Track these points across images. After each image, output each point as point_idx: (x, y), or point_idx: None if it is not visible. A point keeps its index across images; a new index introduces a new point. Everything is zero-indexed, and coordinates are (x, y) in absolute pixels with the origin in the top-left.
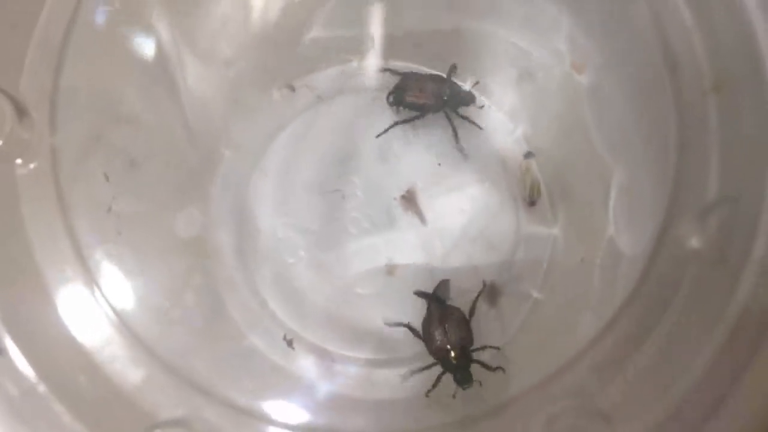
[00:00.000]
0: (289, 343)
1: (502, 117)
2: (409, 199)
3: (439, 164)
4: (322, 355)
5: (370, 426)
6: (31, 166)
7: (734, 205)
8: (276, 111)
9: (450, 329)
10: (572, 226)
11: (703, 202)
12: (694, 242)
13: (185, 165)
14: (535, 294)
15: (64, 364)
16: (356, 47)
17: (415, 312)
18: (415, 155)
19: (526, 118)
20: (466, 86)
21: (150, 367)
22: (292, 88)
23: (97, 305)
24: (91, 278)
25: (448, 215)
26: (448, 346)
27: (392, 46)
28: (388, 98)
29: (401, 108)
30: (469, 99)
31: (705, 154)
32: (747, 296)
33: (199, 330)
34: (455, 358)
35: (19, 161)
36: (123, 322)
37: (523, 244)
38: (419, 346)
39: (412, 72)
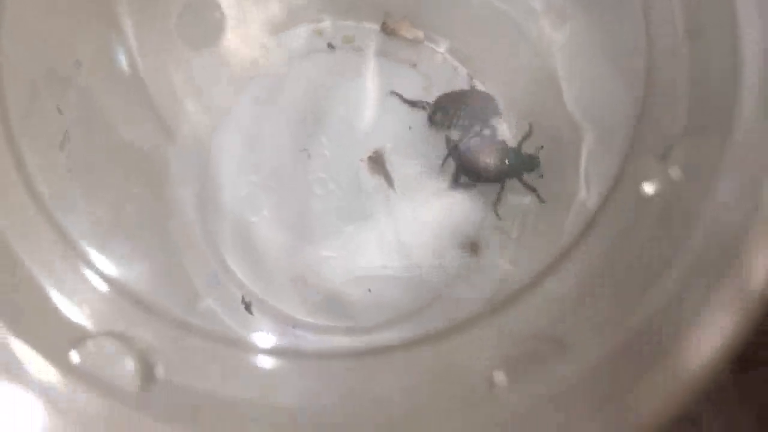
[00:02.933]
0: (247, 307)
1: (476, 83)
2: (376, 161)
3: (410, 128)
4: (282, 320)
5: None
6: None
7: (699, 137)
8: (244, 68)
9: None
10: (543, 191)
11: (666, 140)
12: (655, 182)
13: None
14: (505, 264)
15: None
16: (328, 5)
17: (378, 276)
18: (387, 118)
19: (500, 82)
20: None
21: (86, 278)
22: (265, 47)
23: (36, 213)
24: (31, 188)
25: (417, 179)
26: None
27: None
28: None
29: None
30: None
31: (672, 93)
32: (705, 236)
33: (147, 253)
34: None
35: None
36: (61, 230)
37: (492, 210)
38: (383, 315)
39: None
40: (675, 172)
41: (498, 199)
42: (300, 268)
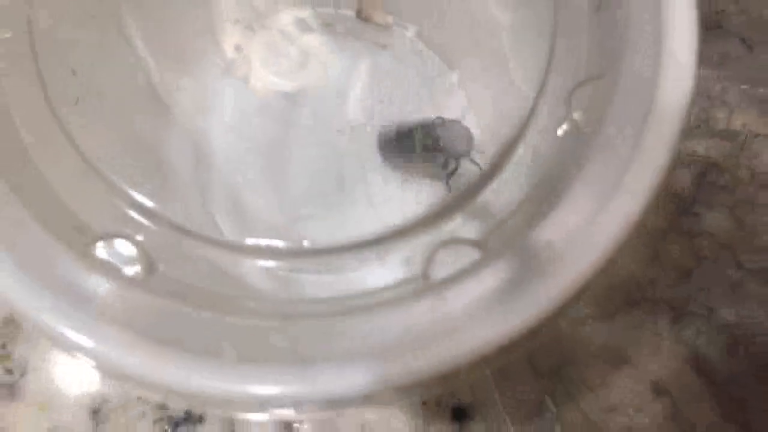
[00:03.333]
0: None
1: (440, 62)
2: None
3: (381, 101)
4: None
5: None
6: (7, 35)
7: (595, 85)
8: (231, 50)
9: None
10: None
11: (570, 88)
12: (563, 123)
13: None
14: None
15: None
16: None
17: (361, 229)
18: (364, 94)
19: (460, 65)
20: None
21: (97, 186)
22: (252, 29)
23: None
24: (56, 115)
25: None
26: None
27: None
28: None
29: None
30: None
31: (577, 53)
32: (599, 163)
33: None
34: None
35: None
36: (81, 154)
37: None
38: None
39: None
40: (578, 115)
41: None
42: (282, 225)
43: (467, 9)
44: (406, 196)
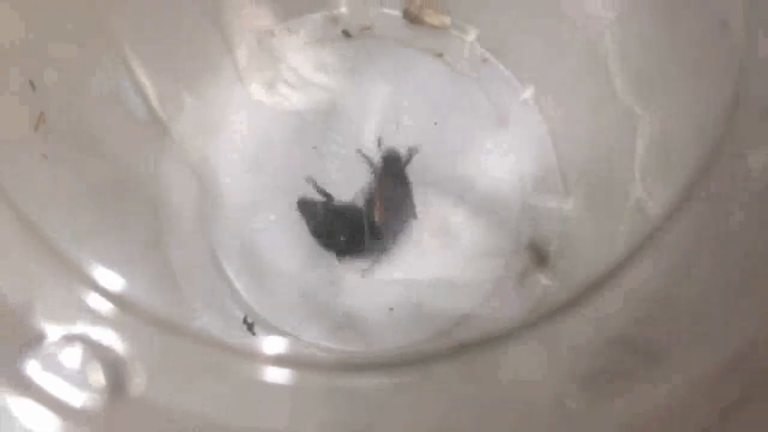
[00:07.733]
0: (250, 327)
1: (509, 74)
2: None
3: (436, 123)
4: (290, 342)
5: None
6: None
7: None
8: (250, 57)
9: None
10: (589, 194)
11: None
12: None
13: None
14: (544, 281)
15: None
16: None
17: (401, 293)
18: (410, 113)
19: (535, 72)
20: None
21: (51, 271)
22: (272, 34)
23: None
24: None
25: (444, 181)
26: None
27: None
28: None
29: None
30: None
31: None
32: None
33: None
34: None
35: None
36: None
37: (528, 217)
38: (405, 339)
39: None
40: None
41: None
42: (312, 282)
43: (550, 5)
44: (472, 246)
